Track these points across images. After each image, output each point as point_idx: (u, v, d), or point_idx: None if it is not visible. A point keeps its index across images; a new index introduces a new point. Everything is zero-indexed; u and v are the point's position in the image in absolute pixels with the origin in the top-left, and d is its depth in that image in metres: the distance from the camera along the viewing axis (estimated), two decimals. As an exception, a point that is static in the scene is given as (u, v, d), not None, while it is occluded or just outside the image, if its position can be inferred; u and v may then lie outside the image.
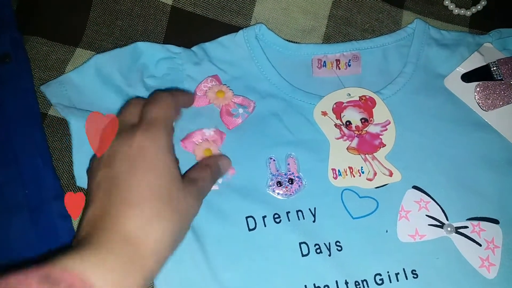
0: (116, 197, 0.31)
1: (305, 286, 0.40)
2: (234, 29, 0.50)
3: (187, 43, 0.49)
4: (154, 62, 0.47)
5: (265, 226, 0.42)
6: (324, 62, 0.49)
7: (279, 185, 0.44)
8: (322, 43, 0.52)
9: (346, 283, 0.40)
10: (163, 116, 0.35)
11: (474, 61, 0.49)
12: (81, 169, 0.42)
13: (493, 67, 0.48)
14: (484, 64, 0.48)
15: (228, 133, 0.45)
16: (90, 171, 0.36)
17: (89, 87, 0.44)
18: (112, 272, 0.28)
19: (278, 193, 0.44)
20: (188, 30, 0.50)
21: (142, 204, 0.31)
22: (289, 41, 0.50)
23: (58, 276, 0.25)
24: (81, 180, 0.42)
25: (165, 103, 0.36)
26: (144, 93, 0.45)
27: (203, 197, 0.37)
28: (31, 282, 0.24)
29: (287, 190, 0.44)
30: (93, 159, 0.36)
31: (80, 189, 0.43)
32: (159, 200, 0.31)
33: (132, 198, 0.31)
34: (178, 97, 0.40)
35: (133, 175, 0.32)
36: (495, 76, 0.48)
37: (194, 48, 0.49)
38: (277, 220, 0.42)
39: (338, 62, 0.50)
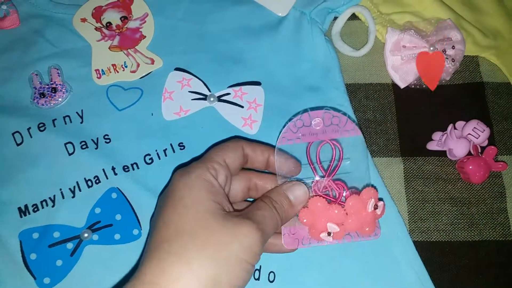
0: (147, 242, 0.29)
1: (77, 182, 0.41)
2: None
3: None
4: None
5: (31, 137, 0.42)
6: (83, -28, 0.49)
7: (42, 96, 0.44)
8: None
9: (113, 169, 0.41)
10: (214, 156, 0.32)
11: None
12: None
13: None
14: None
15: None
16: None
17: None
18: None
19: (42, 104, 0.44)
20: None
21: (160, 247, 0.27)
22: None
23: None
24: None
25: (226, 147, 0.33)
26: None
27: (266, 235, 0.29)
28: None
29: (51, 99, 0.44)
30: None
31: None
32: (181, 238, 0.27)
33: (153, 242, 0.28)
34: (256, 148, 0.34)
35: (160, 217, 0.29)
36: (244, -50, 0.49)
37: None
38: (42, 128, 0.43)
39: (95, -30, 0.49)
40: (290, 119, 0.34)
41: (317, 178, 0.34)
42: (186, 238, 0.27)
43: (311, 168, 0.33)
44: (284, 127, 0.33)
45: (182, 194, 0.29)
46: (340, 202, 0.33)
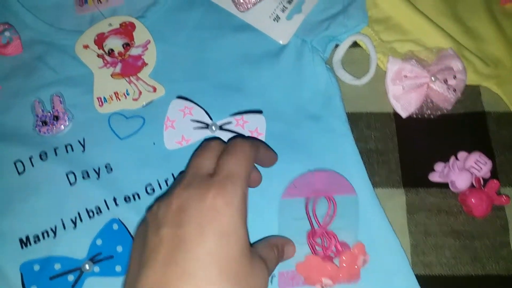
0: (179, 267, 0.27)
1: (78, 213, 0.41)
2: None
3: None
4: None
5: (32, 166, 0.42)
6: (85, -1, 0.49)
7: (44, 124, 0.44)
8: (82, -19, 0.51)
9: (115, 199, 0.41)
10: (241, 172, 0.31)
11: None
12: None
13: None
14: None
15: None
16: (149, 220, 0.30)
17: None
18: None
19: (44, 132, 0.44)
20: None
21: (207, 285, 0.27)
22: (49, -15, 0.50)
23: None
24: None
25: (245, 156, 0.32)
26: None
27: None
28: None
29: (53, 127, 0.44)
30: (154, 204, 0.31)
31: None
32: (227, 280, 0.27)
33: (196, 273, 0.27)
34: (259, 149, 0.35)
35: (202, 242, 0.27)
36: (246, -23, 0.49)
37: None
38: (43, 157, 0.43)
39: (98, -4, 0.49)
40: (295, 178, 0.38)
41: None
42: (232, 279, 0.27)
43: (308, 218, 0.36)
44: (289, 184, 0.38)
45: (225, 222, 0.28)
46: (331, 252, 0.37)
